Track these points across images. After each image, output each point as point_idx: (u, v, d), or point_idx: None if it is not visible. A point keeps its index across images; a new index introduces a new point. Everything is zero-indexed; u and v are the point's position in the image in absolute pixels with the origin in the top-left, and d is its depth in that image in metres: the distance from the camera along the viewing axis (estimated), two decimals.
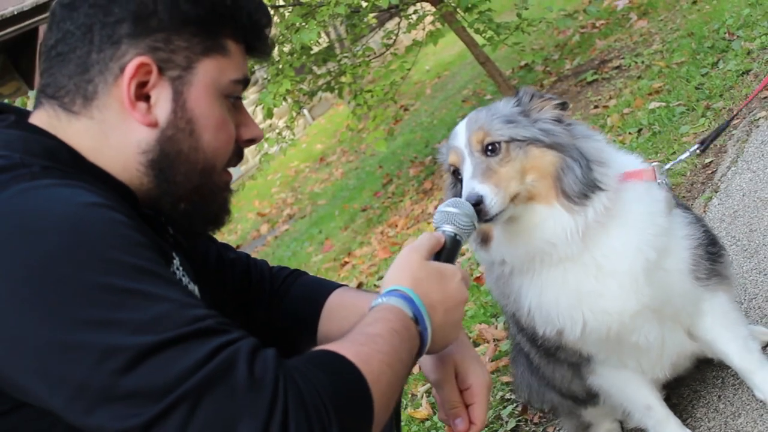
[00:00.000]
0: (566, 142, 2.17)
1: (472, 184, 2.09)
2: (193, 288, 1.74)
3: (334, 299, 1.97)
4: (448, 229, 1.80)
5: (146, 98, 1.53)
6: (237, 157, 1.70)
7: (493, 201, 2.04)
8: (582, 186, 2.14)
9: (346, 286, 2.06)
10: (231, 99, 1.63)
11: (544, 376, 2.60)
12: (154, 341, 1.24)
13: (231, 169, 1.72)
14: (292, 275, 2.07)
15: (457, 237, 1.79)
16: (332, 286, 2.02)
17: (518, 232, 2.19)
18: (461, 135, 2.21)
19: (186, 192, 1.60)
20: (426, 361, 1.81)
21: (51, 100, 1.56)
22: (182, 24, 1.54)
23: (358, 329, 1.49)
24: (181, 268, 1.70)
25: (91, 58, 1.52)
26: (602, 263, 2.19)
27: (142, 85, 1.52)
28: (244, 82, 1.65)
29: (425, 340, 1.57)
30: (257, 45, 1.69)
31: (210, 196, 1.65)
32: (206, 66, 1.57)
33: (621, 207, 2.20)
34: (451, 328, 1.66)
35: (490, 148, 2.16)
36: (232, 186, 1.75)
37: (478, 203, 2.01)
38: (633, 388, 2.46)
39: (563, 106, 2.24)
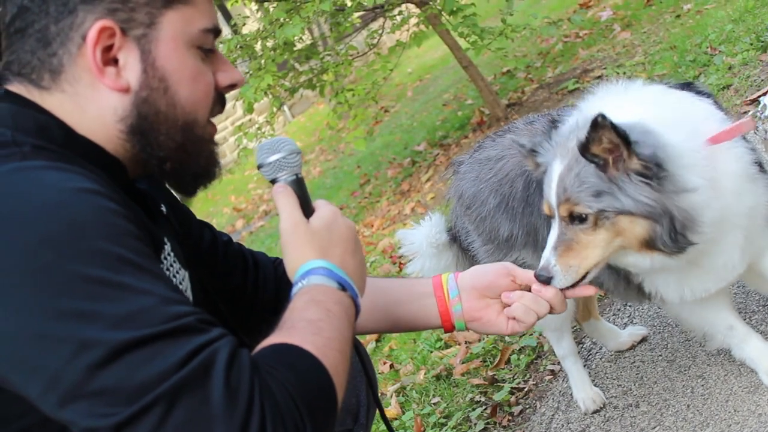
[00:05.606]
0: (658, 209, 2.08)
1: (548, 258, 2.12)
2: (184, 274, 1.72)
3: None
4: (285, 176, 1.71)
5: (114, 62, 1.48)
6: (219, 105, 1.64)
7: (560, 281, 2.08)
8: (673, 246, 2.12)
9: None
10: (203, 49, 1.57)
11: None
12: (132, 337, 1.22)
13: None
14: None
15: (298, 176, 1.73)
16: None
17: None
18: (553, 193, 2.17)
19: (170, 151, 1.56)
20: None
21: (18, 77, 1.51)
22: None
23: (297, 316, 1.46)
24: (172, 254, 1.67)
25: (50, 31, 1.46)
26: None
27: (107, 49, 1.46)
28: (215, 31, 1.59)
29: (357, 302, 1.58)
30: None
31: (196, 151, 1.60)
32: (170, 19, 1.50)
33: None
34: (362, 264, 1.67)
35: (577, 217, 2.14)
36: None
37: (548, 281, 2.06)
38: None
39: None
